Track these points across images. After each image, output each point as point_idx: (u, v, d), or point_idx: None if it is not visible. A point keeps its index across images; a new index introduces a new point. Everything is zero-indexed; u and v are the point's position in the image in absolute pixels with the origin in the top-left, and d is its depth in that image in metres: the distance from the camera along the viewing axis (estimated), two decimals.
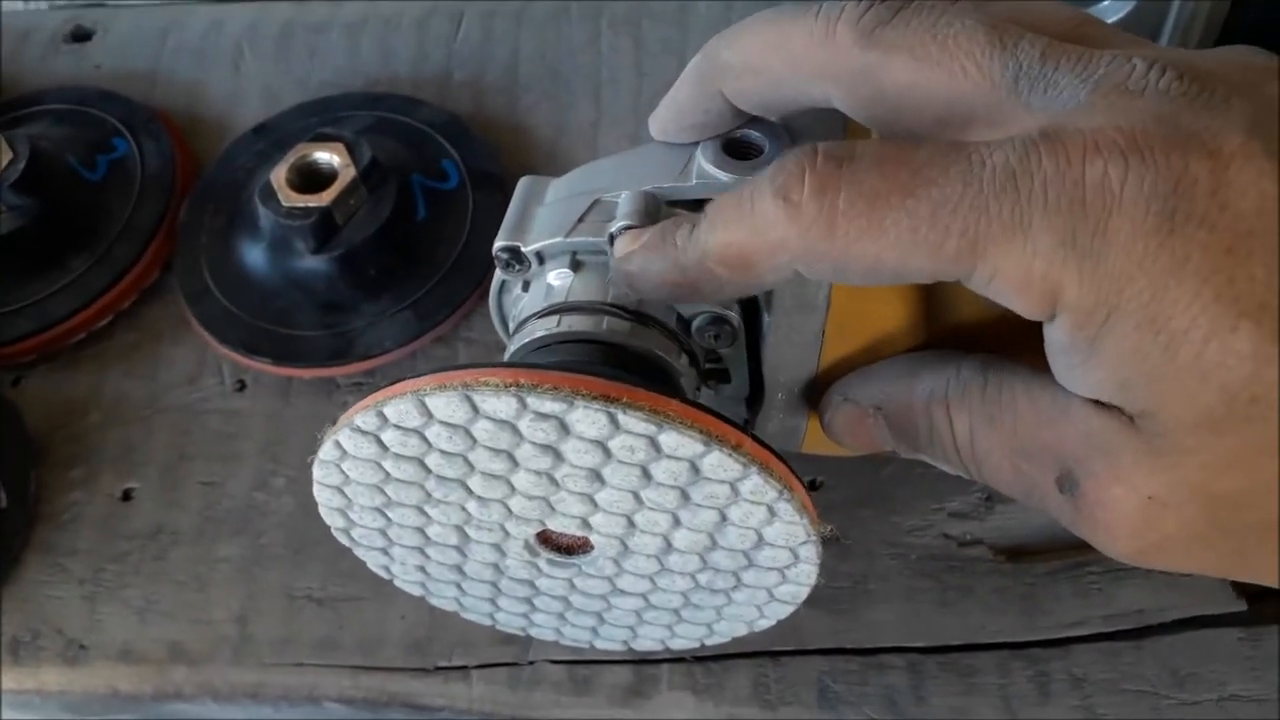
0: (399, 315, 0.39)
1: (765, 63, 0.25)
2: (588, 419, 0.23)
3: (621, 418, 0.23)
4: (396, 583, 0.31)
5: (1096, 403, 0.21)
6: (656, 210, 0.29)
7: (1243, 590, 0.32)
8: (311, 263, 0.39)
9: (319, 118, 0.44)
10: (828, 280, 0.25)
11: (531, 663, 0.33)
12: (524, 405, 0.23)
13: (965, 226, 0.20)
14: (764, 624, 0.30)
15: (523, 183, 0.32)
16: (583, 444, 0.24)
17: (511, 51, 0.47)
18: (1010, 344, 0.25)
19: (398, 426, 0.25)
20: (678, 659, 0.33)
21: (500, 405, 0.24)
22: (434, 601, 0.32)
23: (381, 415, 0.25)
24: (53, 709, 0.35)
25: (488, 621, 0.32)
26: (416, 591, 0.32)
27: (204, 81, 0.48)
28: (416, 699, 0.33)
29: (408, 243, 0.40)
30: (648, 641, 0.32)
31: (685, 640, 0.31)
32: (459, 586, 0.31)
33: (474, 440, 0.25)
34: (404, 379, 0.25)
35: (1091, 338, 0.20)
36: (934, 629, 0.33)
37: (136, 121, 0.45)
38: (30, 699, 0.35)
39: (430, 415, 0.24)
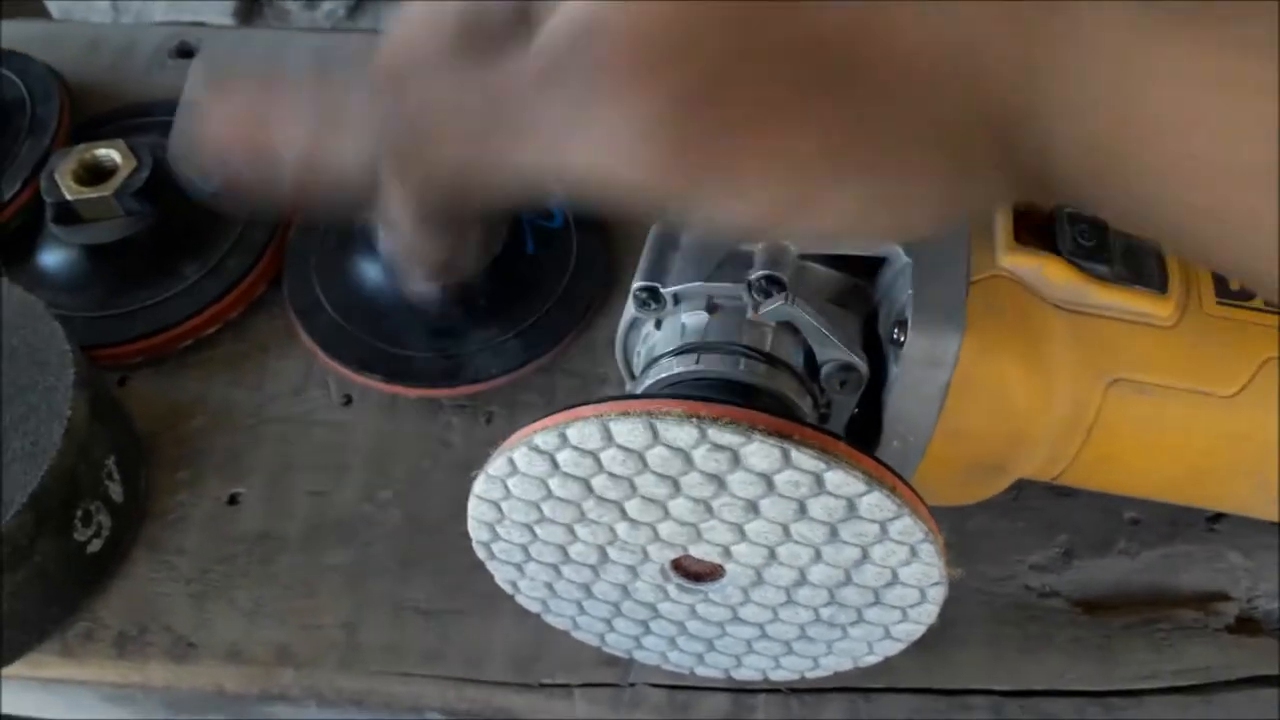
0: (506, 343, 0.41)
1: None
2: (762, 453, 0.25)
3: (794, 454, 0.25)
4: (519, 598, 0.33)
5: None
6: (790, 261, 0.31)
7: None
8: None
9: None
10: None
11: (633, 685, 0.35)
12: (703, 435, 0.25)
13: None
14: (870, 660, 0.31)
15: (655, 228, 0.34)
16: (750, 476, 0.26)
17: None
18: None
19: (576, 448, 0.26)
20: (774, 690, 0.35)
21: (681, 434, 0.25)
22: (549, 618, 0.33)
23: (563, 436, 0.26)
24: (154, 705, 0.36)
25: (596, 642, 0.34)
26: (535, 608, 0.33)
27: None
28: (519, 714, 0.35)
29: (517, 276, 0.41)
30: (749, 671, 0.33)
31: (787, 672, 0.33)
32: (580, 605, 0.32)
33: (645, 465, 0.26)
34: (579, 404, 0.26)
35: None
36: (1016, 673, 0.35)
37: None
38: (133, 694, 0.36)
39: (610, 439, 0.26)
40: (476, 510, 0.29)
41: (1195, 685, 0.34)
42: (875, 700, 0.34)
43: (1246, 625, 0.36)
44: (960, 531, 0.37)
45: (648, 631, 0.33)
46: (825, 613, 0.30)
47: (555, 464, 0.27)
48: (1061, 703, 0.34)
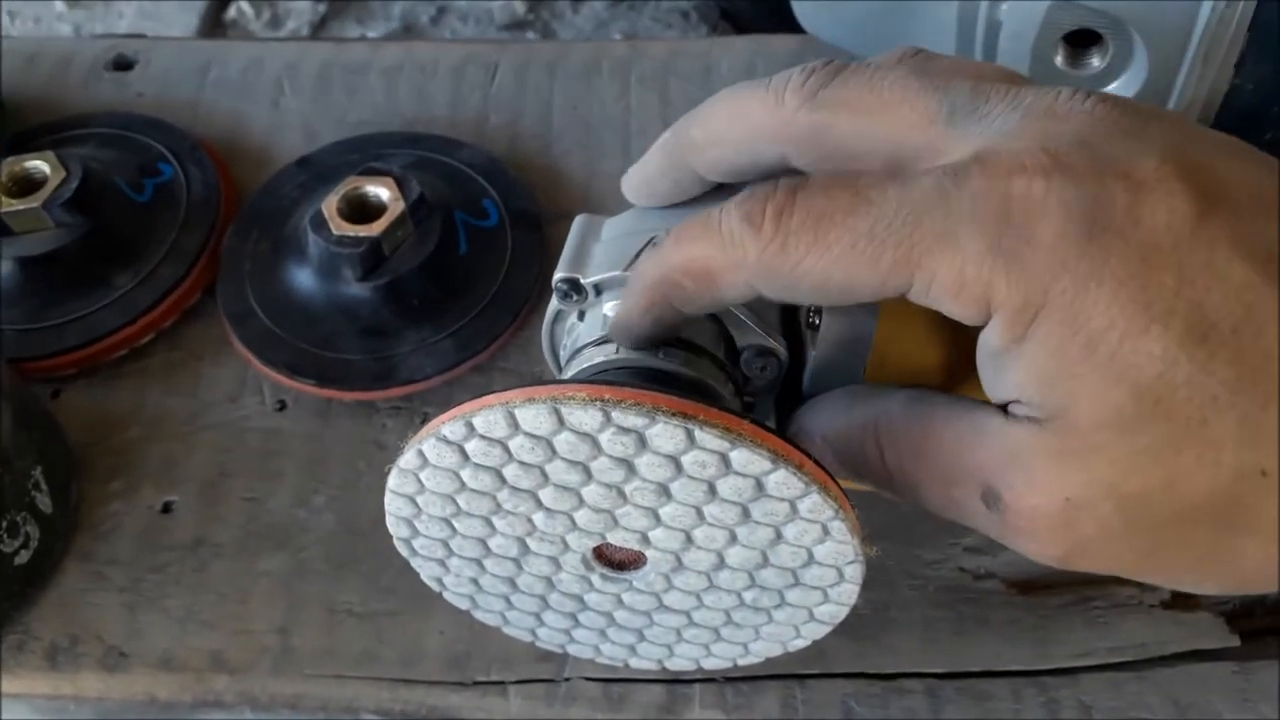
0: (439, 344, 0.41)
1: (728, 133, 0.28)
2: (666, 434, 0.25)
3: (698, 434, 0.25)
4: (446, 595, 0.32)
5: (1012, 416, 0.23)
6: None
7: (1235, 627, 0.35)
8: (357, 290, 0.40)
9: (361, 154, 0.46)
10: (781, 299, 0.26)
11: (567, 679, 0.35)
12: (608, 419, 0.25)
13: (900, 240, 0.23)
14: (799, 644, 0.31)
15: (579, 220, 0.34)
16: (657, 458, 0.26)
17: (544, 101, 0.49)
18: None
19: (483, 437, 0.26)
20: (708, 679, 0.35)
21: (586, 418, 0.25)
22: (479, 615, 0.33)
23: (469, 425, 0.26)
24: (86, 715, 0.36)
25: (528, 638, 0.34)
26: (464, 605, 0.33)
27: (244, 114, 0.50)
28: (454, 713, 0.34)
29: (450, 275, 0.41)
30: (682, 661, 0.33)
31: (720, 660, 0.33)
32: (508, 600, 0.32)
33: (554, 452, 0.26)
34: (487, 393, 0.26)
35: (1019, 337, 0.22)
36: (951, 656, 0.35)
37: (181, 148, 0.46)
38: (65, 705, 0.35)
39: (517, 426, 0.26)
40: (393, 506, 0.29)
41: (1130, 662, 0.34)
42: (810, 686, 0.34)
43: (1182, 600, 0.36)
44: (893, 515, 0.37)
45: (577, 624, 0.33)
46: (748, 596, 0.30)
47: (465, 455, 0.27)
48: (997, 683, 0.34)
